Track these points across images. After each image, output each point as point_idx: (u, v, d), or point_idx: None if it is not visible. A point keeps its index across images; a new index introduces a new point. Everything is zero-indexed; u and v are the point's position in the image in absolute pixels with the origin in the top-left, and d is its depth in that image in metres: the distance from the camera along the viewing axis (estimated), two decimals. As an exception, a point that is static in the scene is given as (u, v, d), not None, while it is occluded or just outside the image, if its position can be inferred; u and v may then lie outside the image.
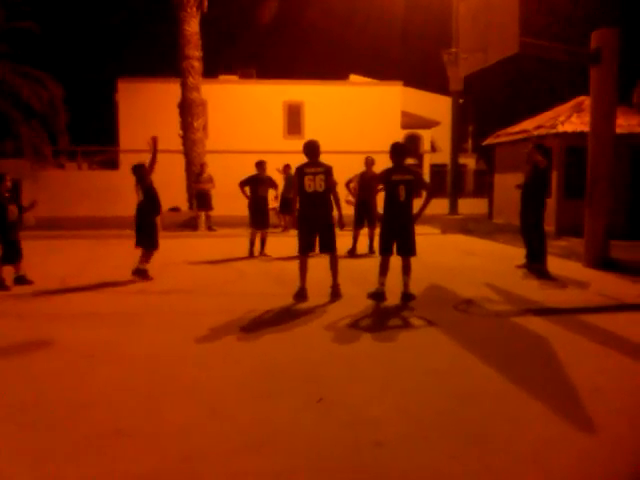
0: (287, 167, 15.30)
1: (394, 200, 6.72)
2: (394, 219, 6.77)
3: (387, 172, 6.83)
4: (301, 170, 6.94)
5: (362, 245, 10.68)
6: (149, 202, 8.26)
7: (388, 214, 6.82)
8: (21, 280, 7.88)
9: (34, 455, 3.16)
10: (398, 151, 6.92)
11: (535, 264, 8.82)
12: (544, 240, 8.85)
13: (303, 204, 6.99)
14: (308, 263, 7.03)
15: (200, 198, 15.84)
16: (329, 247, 7.00)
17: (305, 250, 7.00)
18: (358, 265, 9.33)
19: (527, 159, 8.80)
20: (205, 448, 3.23)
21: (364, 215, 10.66)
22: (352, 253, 10.54)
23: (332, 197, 7.02)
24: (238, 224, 15.37)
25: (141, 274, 8.23)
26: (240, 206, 14.78)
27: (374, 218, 10.49)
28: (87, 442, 3.30)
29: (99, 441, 3.31)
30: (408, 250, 6.78)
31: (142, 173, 8.26)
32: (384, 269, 6.82)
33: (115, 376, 4.38)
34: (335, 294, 7.02)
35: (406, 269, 6.81)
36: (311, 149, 6.99)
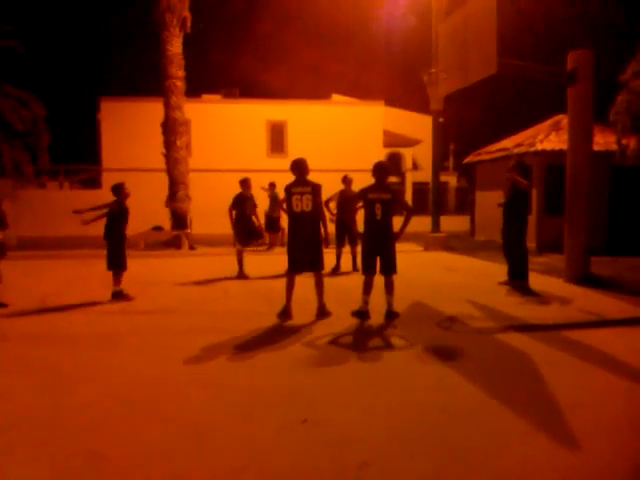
0: (272, 185, 15.34)
1: (372, 218, 6.76)
2: (373, 237, 6.80)
3: (364, 190, 6.88)
4: (289, 189, 6.91)
5: (346, 263, 10.70)
6: (114, 224, 8.22)
7: (367, 232, 6.85)
8: None
9: (12, 481, 3.10)
10: (380, 170, 6.95)
11: (517, 281, 8.90)
12: (526, 257, 8.94)
13: (292, 223, 6.96)
14: (295, 282, 6.99)
15: (176, 217, 15.87)
16: (316, 266, 6.96)
17: (294, 269, 6.95)
18: (342, 283, 9.33)
19: (507, 178, 8.92)
20: (187, 471, 3.19)
21: (345, 233, 10.73)
22: (335, 271, 10.56)
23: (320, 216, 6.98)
24: (220, 242, 15.36)
25: (118, 296, 8.20)
26: (222, 224, 14.81)
27: (354, 236, 10.58)
28: (64, 467, 3.23)
29: (77, 465, 3.25)
30: (389, 268, 6.80)
31: (118, 193, 8.22)
32: (368, 288, 6.83)
33: (94, 398, 4.31)
34: (321, 313, 6.99)
35: (389, 288, 6.83)
36: (298, 167, 6.94)
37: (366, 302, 6.82)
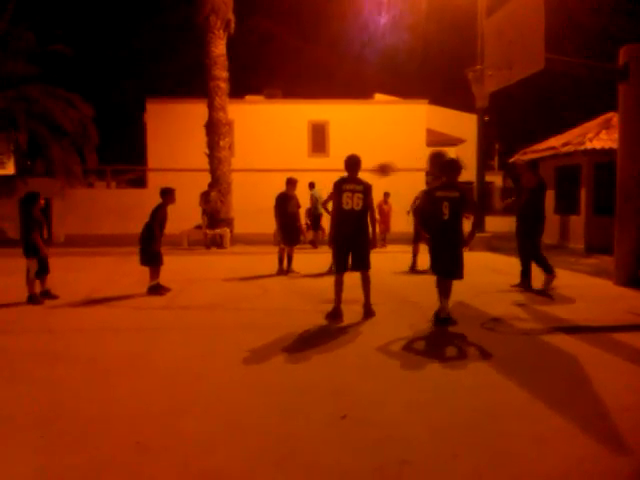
0: (311, 185, 15.40)
1: (439, 218, 6.43)
2: (439, 238, 6.54)
3: (432, 188, 6.66)
4: (340, 186, 6.72)
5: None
6: (149, 225, 8.38)
7: (434, 232, 6.61)
8: (47, 294, 8.05)
9: (55, 469, 3.16)
10: (450, 167, 6.76)
11: (523, 280, 8.71)
12: (530, 259, 8.66)
13: (339, 221, 6.78)
14: (343, 282, 6.82)
15: (210, 217, 16.20)
16: (363, 265, 6.78)
17: (341, 268, 6.79)
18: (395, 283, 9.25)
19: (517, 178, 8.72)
20: (226, 463, 3.20)
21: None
22: (413, 269, 10.57)
23: (369, 215, 6.84)
24: (263, 241, 15.47)
25: (155, 290, 8.38)
26: (265, 223, 14.93)
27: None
28: (109, 455, 3.29)
29: (120, 455, 3.30)
30: (455, 270, 6.46)
31: (166, 197, 8.39)
32: (446, 290, 6.54)
33: (137, 390, 4.38)
34: (368, 313, 6.87)
35: (447, 292, 6.52)
36: (354, 164, 6.79)
37: (444, 307, 6.51)
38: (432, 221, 6.62)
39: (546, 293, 8.34)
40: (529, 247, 8.63)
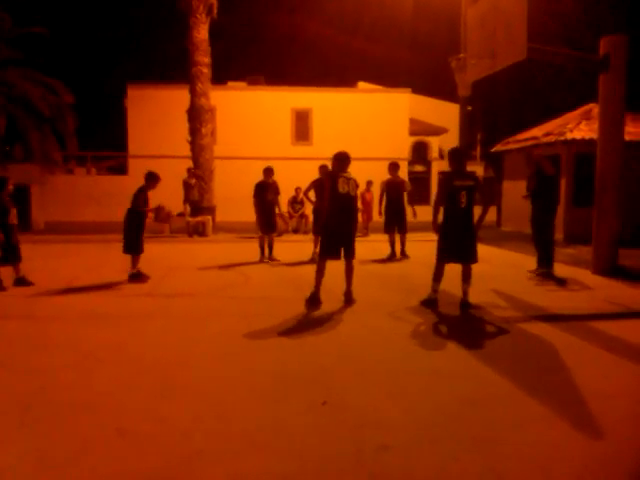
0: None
1: (455, 207, 6.56)
2: (454, 226, 6.63)
3: (448, 178, 6.68)
4: (335, 174, 6.81)
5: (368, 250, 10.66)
6: (132, 209, 8.31)
7: (449, 220, 6.67)
8: (21, 282, 7.96)
9: (35, 454, 3.14)
10: (460, 155, 6.91)
11: (542, 269, 8.82)
12: (552, 245, 8.85)
13: (334, 206, 6.78)
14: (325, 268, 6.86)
15: (192, 205, 16.24)
16: (352, 254, 6.89)
17: (328, 255, 6.84)
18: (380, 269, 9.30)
19: (527, 162, 8.83)
20: (207, 448, 3.21)
21: (395, 220, 10.91)
22: (391, 258, 10.76)
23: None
24: (245, 229, 15.43)
25: (135, 278, 8.33)
26: (247, 212, 14.88)
27: (404, 224, 10.89)
28: (89, 441, 3.28)
29: (101, 440, 3.29)
30: (470, 256, 6.72)
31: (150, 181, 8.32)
32: (439, 275, 6.83)
33: (119, 376, 4.37)
34: (349, 300, 6.94)
35: (466, 276, 6.77)
36: (342, 159, 6.87)
37: (435, 290, 6.81)
38: (449, 209, 6.65)
39: (557, 278, 8.60)
40: (550, 233, 8.84)
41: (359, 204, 11.05)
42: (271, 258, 10.50)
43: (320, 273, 6.83)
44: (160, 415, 3.66)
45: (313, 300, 6.81)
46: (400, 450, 3.21)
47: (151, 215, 8.45)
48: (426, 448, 3.24)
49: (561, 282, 8.44)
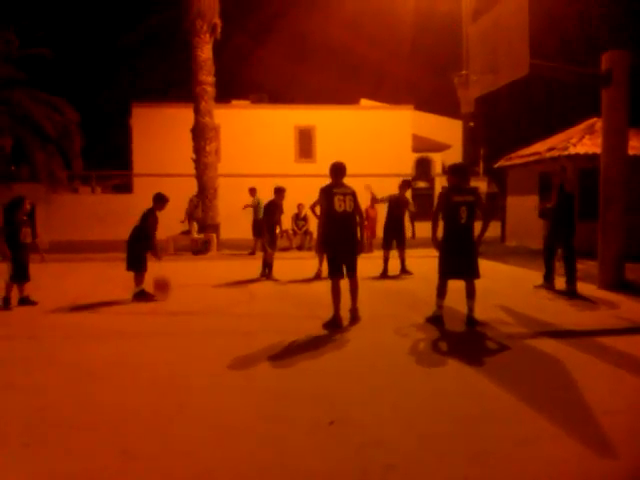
0: (252, 190, 15.28)
1: (455, 222, 6.52)
2: (455, 242, 6.59)
3: (447, 193, 6.67)
4: (329, 190, 6.66)
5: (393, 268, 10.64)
6: (140, 228, 8.33)
7: (450, 236, 6.61)
8: (25, 301, 7.96)
9: (43, 476, 3.11)
10: (462, 171, 6.91)
11: (568, 286, 8.78)
12: (575, 262, 8.83)
13: (332, 226, 6.64)
14: (340, 287, 6.68)
15: (197, 223, 16.41)
16: (354, 270, 6.76)
17: (336, 273, 6.68)
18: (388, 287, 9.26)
19: (558, 174, 8.88)
20: (212, 470, 3.17)
21: (394, 237, 10.96)
22: (384, 275, 10.72)
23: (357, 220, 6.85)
24: (249, 247, 15.42)
25: (140, 296, 8.32)
26: (251, 229, 14.90)
27: (404, 240, 10.99)
28: (93, 464, 3.25)
29: (104, 462, 3.26)
30: (472, 271, 6.66)
31: (158, 203, 8.37)
32: (443, 292, 6.76)
33: (123, 396, 4.34)
34: (354, 318, 6.83)
35: (471, 293, 6.70)
36: (337, 170, 6.76)
37: (440, 307, 6.73)
38: (449, 225, 6.62)
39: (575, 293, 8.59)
40: (572, 249, 8.86)
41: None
42: (269, 276, 10.50)
43: (334, 293, 6.67)
44: (165, 436, 3.62)
45: (335, 322, 6.62)
46: (406, 469, 3.16)
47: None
48: (432, 467, 3.19)
49: (583, 299, 8.38)
